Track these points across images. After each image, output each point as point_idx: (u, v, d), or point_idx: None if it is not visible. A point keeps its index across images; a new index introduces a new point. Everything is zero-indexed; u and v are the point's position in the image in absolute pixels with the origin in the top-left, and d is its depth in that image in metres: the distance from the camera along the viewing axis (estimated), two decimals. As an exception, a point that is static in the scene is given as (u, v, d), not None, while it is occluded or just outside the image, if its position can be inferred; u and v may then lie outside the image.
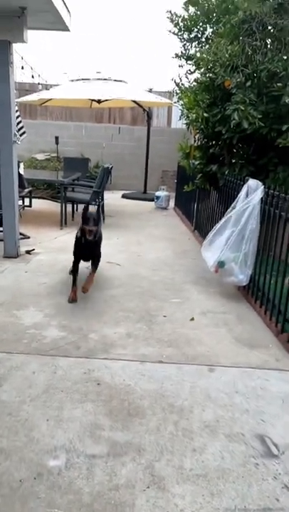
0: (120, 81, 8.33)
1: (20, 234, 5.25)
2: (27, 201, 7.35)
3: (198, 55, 5.20)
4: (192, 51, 5.62)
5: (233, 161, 4.81)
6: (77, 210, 7.24)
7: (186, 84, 5.35)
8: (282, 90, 3.89)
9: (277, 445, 2.12)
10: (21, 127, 8.16)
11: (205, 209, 5.93)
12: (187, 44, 5.65)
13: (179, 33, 5.62)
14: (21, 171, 6.17)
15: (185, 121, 5.11)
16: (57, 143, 9.11)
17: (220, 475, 1.91)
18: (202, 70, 4.86)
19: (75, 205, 7.22)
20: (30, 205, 7.50)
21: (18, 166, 5.27)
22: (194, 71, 5.42)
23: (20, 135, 7.88)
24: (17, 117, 7.05)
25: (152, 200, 9.10)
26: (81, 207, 7.06)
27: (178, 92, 5.36)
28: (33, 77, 9.74)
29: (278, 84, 3.94)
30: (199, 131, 5.03)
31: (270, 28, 4.31)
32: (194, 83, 5.18)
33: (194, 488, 1.83)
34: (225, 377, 2.69)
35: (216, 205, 5.22)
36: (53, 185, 8.49)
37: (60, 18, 4.28)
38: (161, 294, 4.03)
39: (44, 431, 2.12)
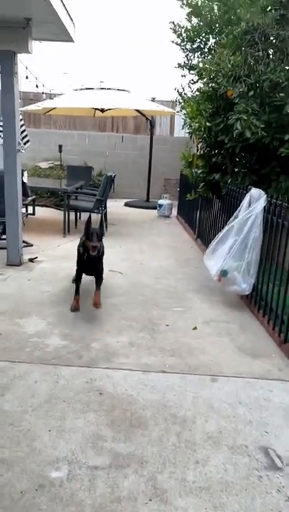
0: (123, 90, 8.40)
1: (24, 242, 5.27)
2: (30, 209, 7.39)
3: (200, 65, 5.23)
4: (195, 61, 5.67)
5: (236, 170, 4.82)
6: (80, 218, 7.27)
7: (189, 94, 5.39)
8: (285, 100, 3.92)
9: (281, 457, 2.10)
10: (25, 136, 8.23)
11: (207, 217, 5.94)
12: (190, 54, 5.70)
13: (182, 44, 5.68)
14: (25, 180, 6.21)
15: (188, 131, 5.14)
16: (60, 151, 9.16)
17: (223, 488, 1.89)
18: (205, 79, 4.90)
19: (78, 213, 7.25)
20: (33, 213, 7.54)
21: (22, 175, 5.30)
22: (197, 81, 5.47)
23: (24, 144, 7.95)
24: (21, 126, 7.12)
25: (155, 208, 9.12)
26: (84, 215, 7.11)
27: (181, 101, 5.40)
28: (37, 86, 9.83)
29: (281, 94, 3.97)
30: (202, 140, 5.06)
31: (272, 38, 4.35)
32: (197, 93, 5.22)
33: (197, 501, 1.81)
34: (228, 388, 2.67)
35: (219, 214, 5.23)
36: (57, 194, 8.54)
37: (64, 29, 4.34)
38: (164, 303, 4.02)
39: (46, 441, 2.10)
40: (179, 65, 5.77)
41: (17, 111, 4.67)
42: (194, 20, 5.51)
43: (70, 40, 4.72)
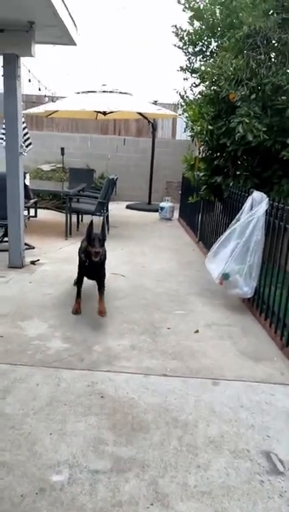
0: (125, 93, 8.41)
1: (26, 244, 5.27)
2: (32, 212, 7.39)
3: (202, 68, 5.25)
4: (197, 65, 5.69)
5: (238, 173, 4.82)
6: (82, 220, 7.28)
7: (191, 97, 5.41)
8: (287, 103, 3.92)
9: (283, 462, 2.09)
10: (27, 138, 8.26)
11: (209, 220, 5.94)
12: (192, 57, 5.72)
13: (184, 47, 5.70)
14: (27, 182, 6.22)
15: (190, 134, 5.14)
16: (62, 154, 9.19)
17: (225, 492, 1.88)
18: (207, 83, 4.91)
19: (80, 216, 7.26)
20: (35, 216, 7.54)
21: (24, 177, 5.31)
22: (199, 84, 5.48)
23: (27, 146, 7.98)
24: (23, 129, 7.13)
25: (157, 211, 9.12)
26: (86, 217, 7.14)
27: (183, 104, 5.42)
28: (39, 89, 9.86)
29: (283, 97, 3.97)
30: (204, 143, 5.06)
31: (274, 42, 4.36)
32: (199, 96, 5.23)
33: (199, 506, 1.80)
34: (229, 391, 2.66)
35: (221, 217, 5.23)
36: (59, 196, 8.54)
37: (67, 33, 4.35)
38: (166, 306, 4.01)
39: (47, 445, 2.10)
40: (181, 68, 5.79)
41: (19, 114, 4.69)
42: (196, 23, 5.53)
43: (72, 43, 4.74)
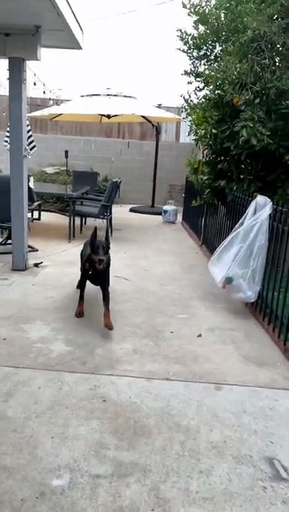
0: (130, 97, 8.44)
1: (29, 247, 5.28)
2: (36, 214, 7.41)
3: (207, 72, 5.26)
4: (201, 69, 5.68)
5: (242, 176, 4.82)
6: (85, 223, 7.28)
7: (195, 101, 5.41)
8: (291, 108, 3.92)
9: (286, 468, 2.07)
10: (32, 141, 8.29)
11: (213, 224, 5.93)
12: (196, 62, 5.72)
13: (188, 51, 5.70)
14: (31, 185, 6.24)
15: (194, 137, 5.15)
16: (66, 157, 9.21)
17: (227, 498, 1.86)
18: (211, 87, 4.92)
19: (84, 219, 7.27)
20: (39, 218, 7.57)
21: (28, 180, 5.33)
22: (203, 88, 5.48)
23: (31, 149, 8.01)
24: (28, 131, 7.17)
25: (160, 214, 9.13)
26: (89, 220, 7.15)
27: (187, 108, 5.42)
28: (44, 92, 9.92)
29: (287, 101, 3.97)
30: (208, 146, 5.07)
31: (278, 46, 4.36)
32: (203, 100, 5.24)
33: (200, 512, 1.79)
34: (232, 396, 2.65)
35: (224, 220, 5.22)
36: (62, 199, 8.56)
37: (73, 37, 4.37)
38: (169, 310, 4.00)
39: (48, 449, 2.09)
40: (186, 72, 5.79)
41: (24, 117, 4.71)
42: (201, 28, 5.53)
43: (78, 47, 4.75)
